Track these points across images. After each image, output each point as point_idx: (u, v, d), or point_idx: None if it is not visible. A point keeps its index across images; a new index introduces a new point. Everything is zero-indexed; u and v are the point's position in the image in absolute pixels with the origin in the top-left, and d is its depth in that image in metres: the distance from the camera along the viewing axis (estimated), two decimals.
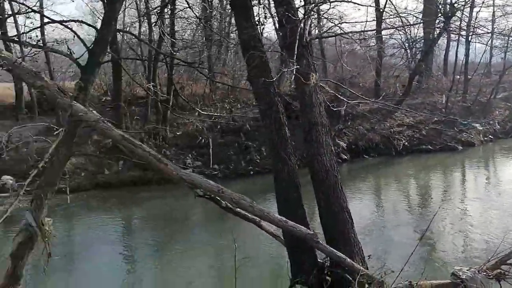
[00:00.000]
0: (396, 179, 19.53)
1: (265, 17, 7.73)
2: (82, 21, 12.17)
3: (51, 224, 5.64)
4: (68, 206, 13.39)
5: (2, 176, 16.43)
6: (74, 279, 9.87)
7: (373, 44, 23.91)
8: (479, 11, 37.25)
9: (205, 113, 7.50)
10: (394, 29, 23.84)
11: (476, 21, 27.39)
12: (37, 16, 16.22)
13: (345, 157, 21.55)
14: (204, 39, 23.94)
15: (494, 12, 29.66)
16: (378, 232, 12.24)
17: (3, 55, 5.61)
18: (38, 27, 12.33)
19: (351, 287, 5.08)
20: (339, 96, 10.17)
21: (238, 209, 6.33)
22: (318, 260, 5.99)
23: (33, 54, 10.23)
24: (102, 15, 11.84)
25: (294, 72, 5.54)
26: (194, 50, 21.44)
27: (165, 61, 10.60)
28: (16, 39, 12.60)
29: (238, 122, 21.69)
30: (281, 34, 6.78)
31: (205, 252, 11.50)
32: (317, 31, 18.69)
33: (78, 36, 10.49)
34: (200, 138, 20.51)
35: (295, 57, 5.62)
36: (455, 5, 24.15)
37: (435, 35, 25.84)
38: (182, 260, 11.17)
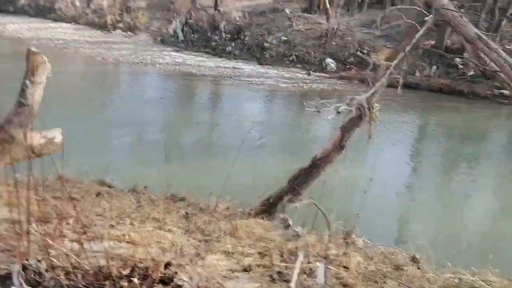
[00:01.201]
0: None
1: None
2: None
3: (377, 110, 6.00)
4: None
5: (326, 59, 18.57)
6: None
7: None
8: None
9: None
10: None
11: None
12: None
13: None
14: None
15: None
16: None
17: None
18: None
19: None
20: None
21: None
22: None
23: None
24: None
25: None
26: None
27: None
28: None
29: None
30: None
31: (498, 183, 10.30)
32: None
33: None
34: None
35: None
36: None
37: None
38: (466, 181, 10.34)
